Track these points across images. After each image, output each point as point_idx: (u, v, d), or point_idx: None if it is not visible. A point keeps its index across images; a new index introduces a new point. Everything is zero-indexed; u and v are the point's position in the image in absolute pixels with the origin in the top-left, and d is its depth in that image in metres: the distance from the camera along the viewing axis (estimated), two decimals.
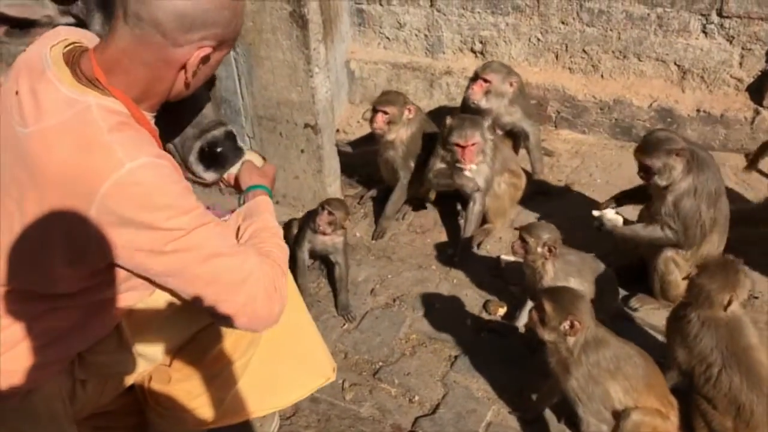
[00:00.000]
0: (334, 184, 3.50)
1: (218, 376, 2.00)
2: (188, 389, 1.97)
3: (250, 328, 1.68)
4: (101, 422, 2.11)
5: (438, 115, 3.73)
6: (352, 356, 2.78)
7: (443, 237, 3.42)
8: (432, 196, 3.60)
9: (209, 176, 2.07)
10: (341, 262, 3.05)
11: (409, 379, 2.67)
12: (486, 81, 3.32)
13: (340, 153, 3.55)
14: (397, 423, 2.51)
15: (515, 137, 3.63)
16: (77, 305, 1.64)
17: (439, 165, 3.23)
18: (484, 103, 3.32)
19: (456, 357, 2.75)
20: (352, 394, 2.62)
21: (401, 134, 3.33)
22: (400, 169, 3.40)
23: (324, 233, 2.95)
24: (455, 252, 3.25)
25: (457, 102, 4.09)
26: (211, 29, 1.51)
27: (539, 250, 2.59)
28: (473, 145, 3.07)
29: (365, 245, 3.38)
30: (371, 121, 3.31)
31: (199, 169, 2.05)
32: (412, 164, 3.39)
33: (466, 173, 3.14)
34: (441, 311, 2.97)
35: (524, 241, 2.60)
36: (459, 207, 3.48)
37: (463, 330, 2.86)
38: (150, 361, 1.91)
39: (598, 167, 3.79)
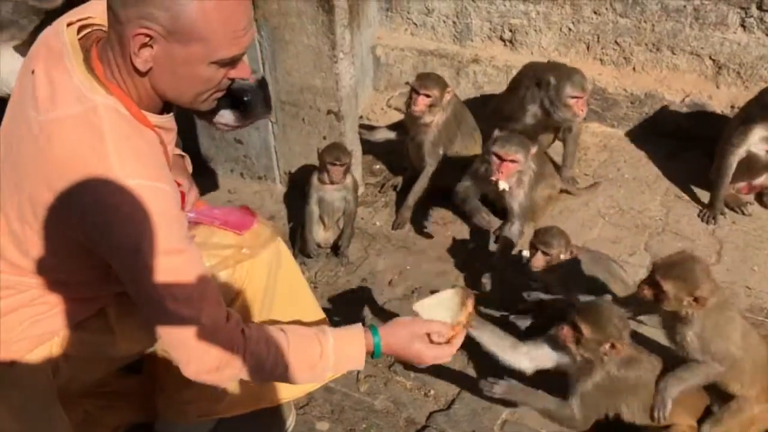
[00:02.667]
0: (356, 172, 3.45)
1: None
2: None
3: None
4: (102, 401, 2.14)
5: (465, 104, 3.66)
6: None
7: (465, 229, 3.36)
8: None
9: (231, 120, 1.93)
10: (351, 199, 3.16)
11: (424, 373, 2.64)
12: None
13: (363, 141, 3.51)
14: (411, 417, 2.48)
15: (556, 128, 3.53)
16: (64, 282, 1.67)
17: (469, 182, 3.06)
18: None
19: (473, 352, 2.71)
20: (367, 385, 2.59)
21: (438, 118, 3.26)
22: (428, 156, 3.34)
23: (336, 183, 3.08)
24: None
25: (485, 91, 4.03)
26: (147, 7, 1.42)
27: (561, 257, 2.57)
28: (513, 162, 2.85)
29: (385, 235, 3.34)
30: (410, 103, 3.23)
31: (224, 114, 1.92)
32: (441, 152, 3.33)
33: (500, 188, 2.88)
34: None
35: (545, 253, 2.58)
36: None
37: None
38: (135, 345, 1.89)
39: (626, 162, 3.70)
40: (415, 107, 3.18)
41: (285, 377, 1.72)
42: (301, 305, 2.18)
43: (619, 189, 3.53)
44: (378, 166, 3.78)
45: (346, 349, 1.76)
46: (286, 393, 2.20)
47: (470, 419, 2.45)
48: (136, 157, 1.50)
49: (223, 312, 1.65)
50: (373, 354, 1.78)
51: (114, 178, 1.46)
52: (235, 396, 2.13)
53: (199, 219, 2.04)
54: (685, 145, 3.72)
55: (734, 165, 3.24)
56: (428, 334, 1.79)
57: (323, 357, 1.73)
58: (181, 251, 1.55)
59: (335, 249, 3.20)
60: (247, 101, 1.91)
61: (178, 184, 1.90)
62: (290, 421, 2.39)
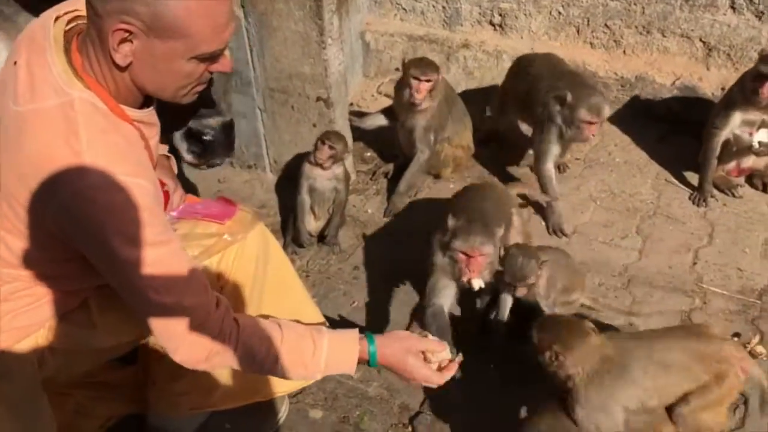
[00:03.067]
0: (346, 160, 3.43)
1: None
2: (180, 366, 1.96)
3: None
4: (93, 392, 2.13)
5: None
6: None
7: None
8: (447, 172, 3.53)
9: (188, 157, 2.00)
10: (341, 189, 3.11)
11: None
12: None
13: (354, 128, 3.49)
14: (404, 403, 2.48)
15: None
16: (47, 275, 1.66)
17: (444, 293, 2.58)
18: None
19: (467, 338, 2.71)
20: (360, 373, 2.58)
21: (433, 102, 3.24)
22: (419, 142, 3.32)
23: (324, 168, 3.00)
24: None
25: (475, 77, 4.01)
26: (127, 2, 1.41)
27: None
28: (482, 256, 2.40)
29: (377, 223, 3.32)
30: (402, 89, 3.19)
31: (182, 147, 2.00)
32: (433, 138, 3.31)
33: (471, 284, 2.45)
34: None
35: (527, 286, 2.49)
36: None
37: (474, 314, 2.80)
38: (118, 337, 1.87)
39: (617, 146, 3.70)
40: (418, 95, 3.13)
41: (275, 371, 1.71)
42: (291, 295, 2.17)
43: (611, 173, 3.53)
44: (369, 154, 3.76)
45: (339, 352, 1.75)
46: (280, 387, 2.21)
47: (464, 405, 2.45)
48: (113, 152, 1.49)
49: (211, 299, 1.64)
50: (368, 362, 1.77)
51: (90, 174, 1.45)
52: (228, 389, 2.12)
53: (181, 216, 2.02)
54: (676, 129, 3.72)
55: (718, 148, 3.25)
56: (423, 352, 1.79)
57: (315, 356, 1.72)
58: (162, 243, 1.54)
59: (322, 238, 3.18)
60: (207, 142, 1.94)
61: (163, 184, 1.90)
62: (283, 410, 2.39)
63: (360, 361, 1.77)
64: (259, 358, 1.68)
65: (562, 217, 3.22)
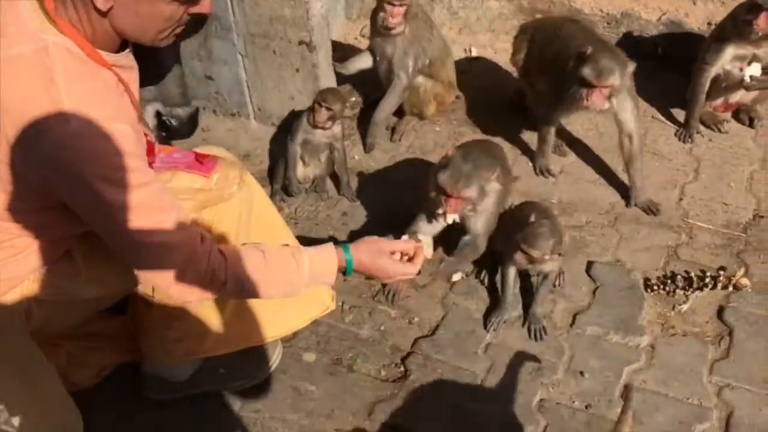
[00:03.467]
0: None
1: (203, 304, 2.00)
2: (170, 313, 1.97)
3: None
4: (85, 343, 2.15)
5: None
6: (351, 278, 2.75)
7: None
8: (430, 110, 3.49)
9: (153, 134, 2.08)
10: (339, 147, 3.09)
11: (408, 301, 2.66)
12: None
13: (338, 74, 3.43)
14: (396, 344, 2.51)
15: None
16: (30, 226, 1.65)
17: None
18: None
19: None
20: (352, 316, 2.61)
21: (408, 27, 3.18)
22: (397, 67, 3.26)
23: (324, 128, 2.97)
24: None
25: (460, 16, 3.94)
26: None
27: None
28: (461, 198, 2.43)
29: (364, 168, 3.31)
30: (385, 15, 3.12)
31: (150, 124, 2.12)
32: (411, 64, 3.25)
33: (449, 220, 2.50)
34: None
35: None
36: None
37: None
38: (104, 287, 1.86)
39: None
40: (393, 19, 3.10)
41: (262, 294, 1.76)
42: (276, 238, 2.17)
43: (597, 112, 3.51)
44: (354, 99, 3.71)
45: (319, 264, 1.82)
46: (273, 331, 2.23)
47: (454, 343, 2.49)
48: (92, 98, 1.47)
49: (196, 235, 1.65)
50: (345, 271, 1.85)
51: (70, 121, 1.42)
52: (221, 334, 2.14)
53: (161, 167, 1.99)
54: (663, 65, 3.69)
55: (707, 84, 3.23)
56: (393, 253, 1.89)
57: (299, 273, 1.78)
58: (145, 185, 1.54)
59: (338, 189, 3.17)
60: (173, 128, 2.21)
61: (145, 135, 1.87)
62: (277, 354, 2.41)
63: (339, 269, 1.84)
64: (247, 285, 1.72)
65: (549, 157, 3.21)
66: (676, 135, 3.37)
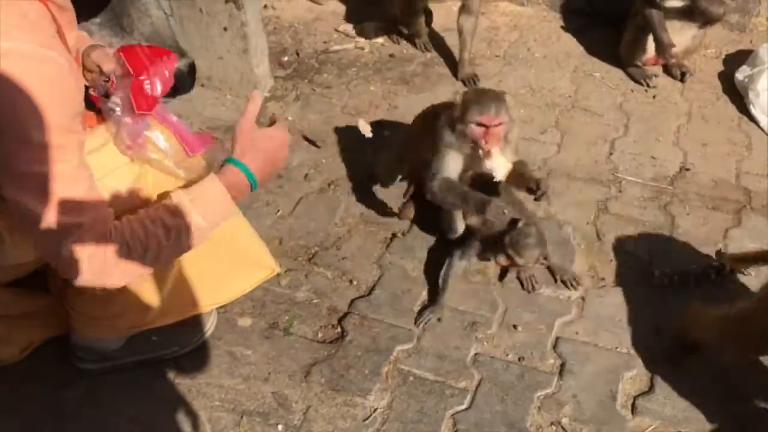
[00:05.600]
0: (262, 65, 3.31)
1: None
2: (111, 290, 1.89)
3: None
4: (10, 321, 2.05)
5: None
6: (286, 242, 2.74)
7: (379, 116, 3.31)
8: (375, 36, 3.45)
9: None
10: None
11: (345, 262, 2.65)
12: None
13: (269, 31, 3.34)
14: (333, 305, 2.51)
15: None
16: None
17: (452, 166, 2.46)
18: None
19: (391, 239, 2.74)
20: (288, 279, 2.59)
21: None
22: None
23: None
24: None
25: None
26: None
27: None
28: (499, 125, 2.31)
29: (298, 130, 3.25)
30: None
31: None
32: None
33: (488, 162, 2.35)
34: (376, 194, 2.92)
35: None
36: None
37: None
38: (29, 253, 1.77)
39: (536, 41, 3.69)
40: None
41: (176, 255, 1.71)
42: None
43: (530, 69, 3.54)
44: (287, 58, 3.63)
45: (209, 205, 1.69)
46: (216, 298, 2.20)
47: (391, 302, 2.50)
48: (21, 21, 1.35)
49: (110, 213, 1.57)
50: (251, 187, 1.74)
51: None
52: (163, 305, 2.06)
53: (156, 117, 1.89)
54: (595, 20, 3.72)
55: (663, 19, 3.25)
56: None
57: (194, 227, 1.66)
58: (69, 130, 1.43)
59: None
60: (176, 86, 2.04)
61: (106, 74, 1.83)
62: (212, 320, 2.37)
63: (246, 189, 1.73)
64: (161, 255, 1.65)
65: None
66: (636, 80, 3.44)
